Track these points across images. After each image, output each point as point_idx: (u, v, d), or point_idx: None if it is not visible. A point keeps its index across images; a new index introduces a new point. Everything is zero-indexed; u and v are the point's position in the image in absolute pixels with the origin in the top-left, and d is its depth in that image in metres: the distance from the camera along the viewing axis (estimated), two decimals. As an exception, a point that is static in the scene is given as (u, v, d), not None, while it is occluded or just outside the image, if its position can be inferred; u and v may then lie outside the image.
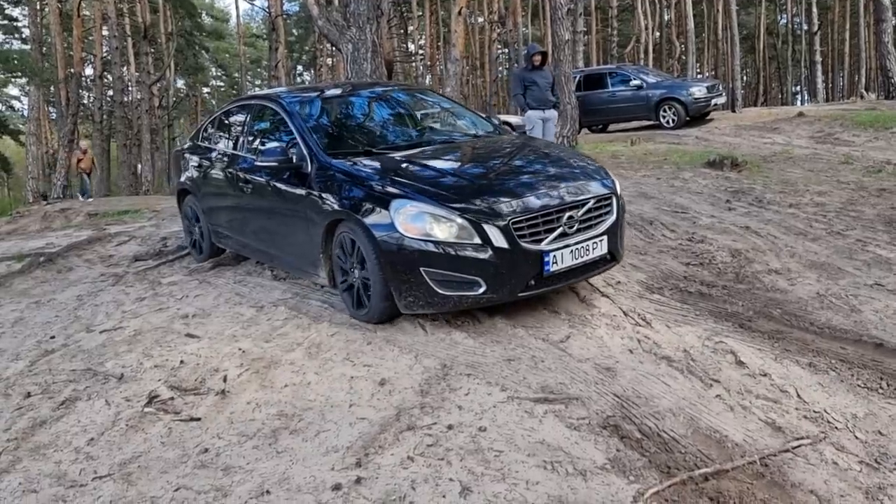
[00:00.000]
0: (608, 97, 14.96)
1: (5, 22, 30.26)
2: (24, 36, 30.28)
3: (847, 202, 6.59)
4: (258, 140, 5.27)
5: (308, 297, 4.77)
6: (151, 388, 3.51)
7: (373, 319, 4.07)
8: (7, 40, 30.47)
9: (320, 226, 4.28)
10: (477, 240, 3.74)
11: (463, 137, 5.17)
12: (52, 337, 4.49)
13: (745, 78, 43.97)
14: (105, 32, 26.94)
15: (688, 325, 3.96)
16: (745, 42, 39.16)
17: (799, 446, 2.77)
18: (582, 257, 3.99)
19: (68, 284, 5.88)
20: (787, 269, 4.89)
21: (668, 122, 14.17)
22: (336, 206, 4.15)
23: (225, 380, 3.53)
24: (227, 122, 5.94)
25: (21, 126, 35.15)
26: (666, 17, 39.03)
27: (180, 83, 41.61)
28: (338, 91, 5.52)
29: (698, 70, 37.05)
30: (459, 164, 4.54)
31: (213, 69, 48.62)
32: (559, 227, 3.92)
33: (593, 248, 4.05)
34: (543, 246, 3.85)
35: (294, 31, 41.23)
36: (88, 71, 28.90)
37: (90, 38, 27.01)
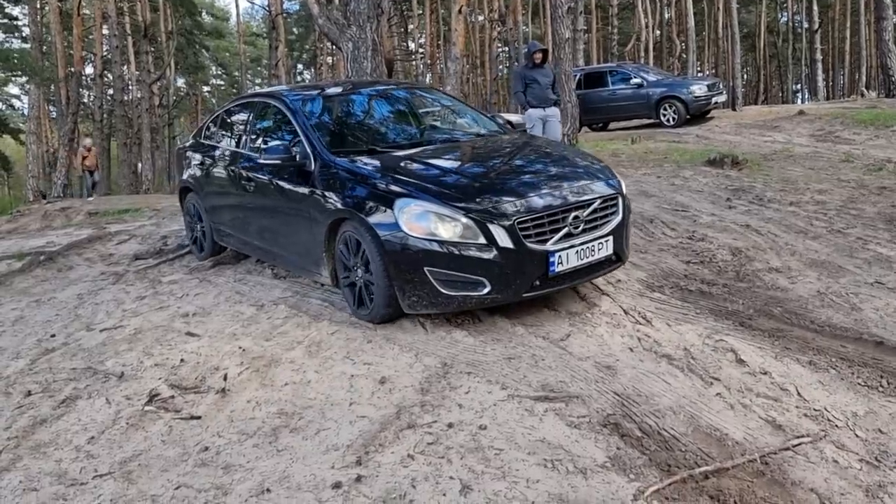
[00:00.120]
0: (609, 95, 14.95)
1: (5, 21, 30.25)
2: (24, 35, 30.27)
3: (847, 200, 6.58)
4: (261, 138, 5.26)
5: (308, 296, 4.77)
6: (152, 386, 3.51)
7: (375, 319, 4.06)
8: (7, 39, 30.48)
9: (323, 224, 4.27)
10: (482, 240, 3.72)
11: (467, 136, 5.15)
12: (53, 335, 4.50)
13: (745, 76, 43.90)
14: (105, 31, 26.94)
15: (688, 323, 3.96)
16: (745, 40, 39.11)
17: (799, 444, 2.77)
18: (587, 258, 3.97)
19: (69, 283, 5.88)
20: (787, 267, 4.89)
21: (668, 120, 14.17)
22: (339, 205, 4.14)
23: (225, 378, 3.54)
24: (229, 120, 5.93)
25: (21, 125, 35.14)
26: (666, 16, 39.00)
27: (180, 82, 41.62)
28: (341, 89, 5.49)
29: (699, 68, 37.04)
30: (464, 163, 4.52)
31: (214, 68, 48.60)
32: (565, 227, 3.90)
33: (599, 249, 4.03)
34: (549, 246, 3.83)
35: (294, 29, 41.23)
36: (89, 70, 28.93)
37: (90, 36, 27.03)
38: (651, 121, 14.77)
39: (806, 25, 35.76)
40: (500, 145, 4.92)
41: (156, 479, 2.72)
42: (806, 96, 39.37)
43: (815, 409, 3.03)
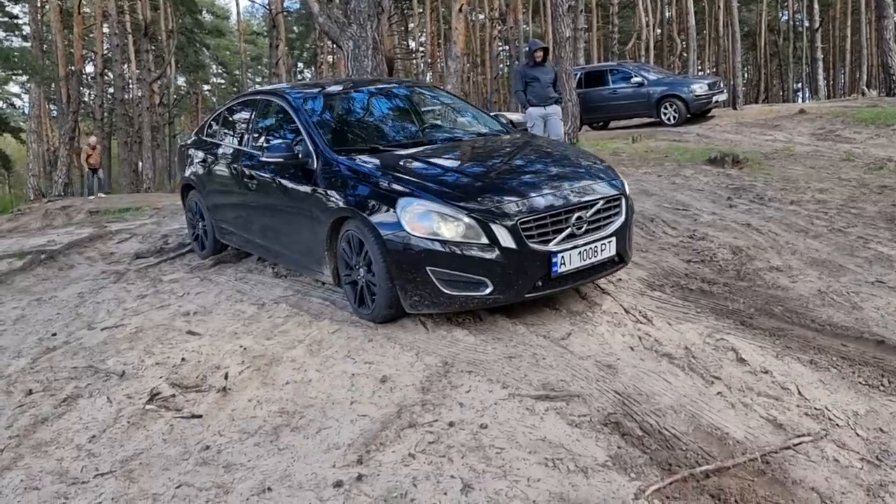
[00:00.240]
0: (609, 94, 14.95)
1: (6, 19, 30.23)
2: (24, 33, 30.27)
3: (848, 199, 6.58)
4: (263, 136, 5.26)
5: (309, 295, 4.77)
6: (153, 385, 3.52)
7: (376, 319, 4.06)
8: (7, 37, 30.45)
9: (325, 223, 4.26)
10: (484, 239, 3.71)
11: (469, 135, 5.14)
12: (54, 334, 4.50)
13: (746, 75, 43.89)
14: (106, 30, 26.95)
15: (689, 322, 3.96)
16: (746, 39, 39.10)
17: (800, 443, 2.77)
18: (590, 258, 3.96)
19: (70, 282, 5.89)
20: (788, 266, 4.89)
21: (669, 119, 14.16)
22: (341, 204, 4.14)
23: (226, 377, 3.54)
24: (231, 117, 5.93)
25: (22, 124, 35.17)
26: (667, 14, 38.97)
27: (181, 81, 41.60)
28: (344, 88, 5.48)
29: (699, 67, 37.01)
30: (466, 162, 4.51)
31: (214, 66, 48.57)
32: (567, 227, 3.89)
33: (602, 250, 4.02)
34: (551, 247, 3.82)
35: (295, 28, 41.21)
36: (89, 68, 28.94)
37: (91, 35, 27.03)
38: (652, 120, 14.76)
39: (807, 24, 35.73)
40: (503, 145, 4.92)
41: (157, 477, 2.72)
42: (807, 95, 39.37)
43: (815, 408, 3.03)
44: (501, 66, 38.24)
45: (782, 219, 6.03)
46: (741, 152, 9.08)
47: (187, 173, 6.23)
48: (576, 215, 3.92)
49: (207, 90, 50.06)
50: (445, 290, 3.75)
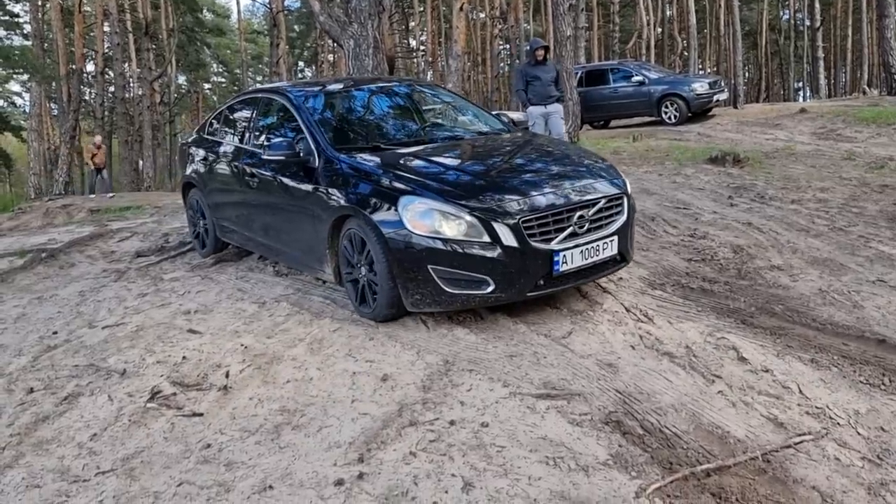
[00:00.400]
0: (610, 93, 14.93)
1: (6, 18, 30.23)
2: (25, 32, 30.26)
3: (849, 198, 6.58)
4: (265, 134, 5.25)
5: (310, 293, 4.77)
6: (154, 383, 3.52)
7: (378, 318, 4.06)
8: (8, 36, 30.45)
9: (327, 221, 4.26)
10: (486, 238, 3.71)
11: (472, 134, 5.13)
12: (55, 332, 4.50)
13: (747, 74, 43.88)
14: (106, 28, 26.93)
15: (690, 321, 3.96)
16: (747, 38, 39.06)
17: (801, 442, 2.77)
18: (592, 257, 3.96)
19: (70, 280, 5.89)
20: (789, 265, 4.89)
21: (669, 118, 14.15)
22: (343, 202, 4.14)
23: (227, 375, 3.54)
24: (233, 115, 5.93)
25: (23, 122, 35.20)
26: (668, 13, 38.93)
27: (181, 79, 41.58)
28: (345, 86, 5.48)
29: (700, 66, 36.99)
30: (468, 161, 4.50)
31: (215, 65, 48.55)
32: (569, 226, 3.89)
33: (603, 249, 4.02)
34: (553, 245, 3.82)
35: (295, 27, 41.19)
36: (90, 67, 28.92)
37: (91, 34, 27.01)
38: (652, 118, 14.75)
39: (808, 23, 35.68)
40: (504, 143, 4.91)
41: (158, 475, 2.72)
42: (808, 94, 39.30)
43: (816, 407, 3.03)
44: (502, 64, 38.19)
45: (783, 218, 6.03)
46: (742, 151, 9.07)
47: (188, 171, 6.23)
48: (578, 214, 3.92)
49: (208, 89, 50.05)
50: (447, 289, 3.75)
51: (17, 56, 23.87)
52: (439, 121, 5.46)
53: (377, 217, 3.88)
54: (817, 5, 32.95)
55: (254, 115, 5.48)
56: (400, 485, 2.53)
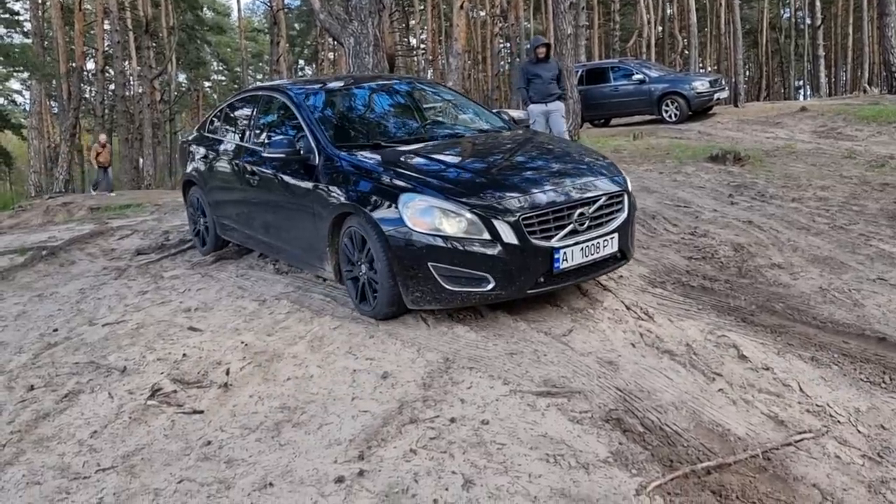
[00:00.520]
0: (610, 91, 14.91)
1: (7, 16, 30.21)
2: (25, 30, 30.25)
3: (850, 197, 6.57)
4: (265, 132, 5.25)
5: (310, 291, 4.77)
6: (154, 381, 3.52)
7: (378, 315, 4.05)
8: (8, 34, 30.43)
9: (327, 219, 4.26)
10: (486, 235, 3.71)
11: (473, 132, 5.12)
12: (55, 330, 4.50)
13: (747, 72, 43.86)
14: (106, 26, 26.92)
15: (690, 319, 3.96)
16: (747, 36, 39.04)
17: (801, 440, 2.77)
18: (592, 255, 3.96)
19: (71, 278, 5.89)
20: (789, 263, 4.89)
21: (670, 116, 14.14)
22: (343, 200, 4.13)
23: (227, 373, 3.54)
24: (233, 113, 5.93)
25: (23, 120, 35.20)
26: (668, 12, 38.92)
27: (182, 77, 41.56)
28: (346, 83, 5.47)
29: (701, 64, 36.97)
30: (469, 158, 4.49)
31: (215, 63, 48.54)
32: (570, 224, 3.88)
33: (604, 246, 4.01)
34: (554, 243, 3.81)
35: (295, 25, 41.16)
36: (90, 65, 28.88)
37: (91, 32, 26.98)
38: (653, 117, 14.73)
39: (808, 21, 35.65)
40: (505, 141, 4.91)
41: (158, 472, 2.73)
42: (808, 92, 39.27)
43: (817, 405, 3.03)
44: (502, 63, 38.18)
45: (784, 216, 6.03)
46: (742, 149, 9.07)
47: (189, 169, 6.23)
48: (578, 211, 3.91)
49: (208, 87, 50.05)
50: (447, 286, 3.74)
51: (17, 54, 23.85)
52: (440, 118, 5.45)
53: (377, 214, 3.88)
54: (818, 4, 32.93)
55: (254, 113, 5.48)
56: (400, 482, 2.53)
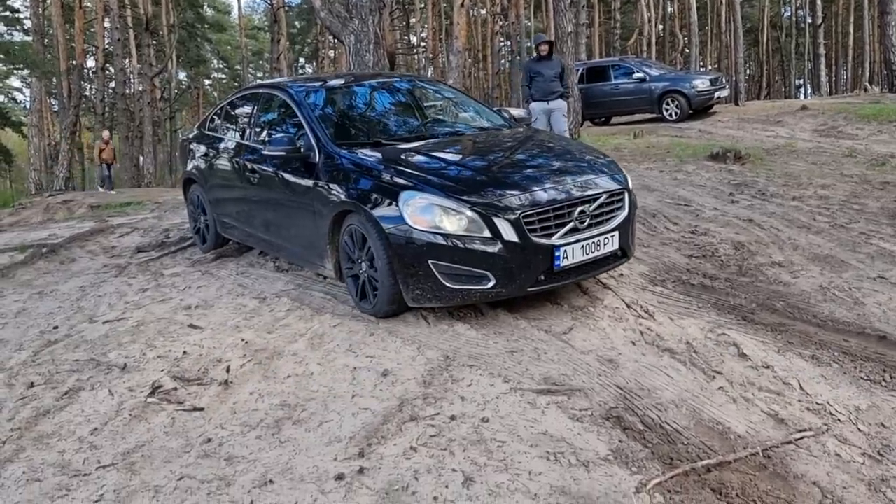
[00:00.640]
0: (611, 90, 14.90)
1: (7, 13, 30.20)
2: (25, 27, 30.23)
3: (850, 195, 6.57)
4: (265, 130, 5.25)
5: (311, 289, 4.77)
6: (154, 378, 3.52)
7: (378, 313, 4.05)
8: (9, 31, 30.41)
9: (327, 217, 4.26)
10: (487, 233, 3.70)
11: (473, 130, 5.11)
12: (56, 327, 4.50)
13: (748, 71, 43.85)
14: (107, 24, 26.91)
15: (690, 317, 3.95)
16: (748, 35, 39.02)
17: (802, 438, 2.77)
18: (593, 253, 3.95)
19: (71, 275, 5.89)
20: (790, 261, 4.89)
21: (671, 114, 14.13)
22: (344, 197, 4.13)
23: (228, 370, 3.54)
24: (233, 111, 5.92)
25: (23, 118, 35.19)
26: (669, 10, 38.88)
27: (182, 75, 41.56)
28: (346, 81, 5.46)
29: (701, 63, 36.95)
30: (469, 156, 4.48)
31: (215, 61, 48.52)
32: (570, 221, 3.88)
33: (604, 244, 4.01)
34: (554, 240, 3.81)
35: (296, 23, 41.12)
36: (90, 63, 28.87)
37: (92, 29, 26.97)
38: (653, 115, 14.72)
39: (809, 20, 35.63)
40: (505, 139, 4.90)
41: (159, 470, 2.73)
42: (809, 91, 39.25)
43: (817, 404, 3.03)
44: (503, 61, 38.14)
45: (784, 214, 6.03)
46: (743, 148, 9.06)
47: (189, 167, 6.23)
48: (579, 209, 3.91)
49: (209, 85, 50.04)
50: (448, 284, 3.74)
51: (17, 51, 23.84)
52: (440, 116, 5.44)
53: (378, 212, 3.87)
54: (819, 2, 32.90)
55: (254, 110, 5.48)
56: (400, 479, 2.53)
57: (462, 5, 14.85)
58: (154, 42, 30.99)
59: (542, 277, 3.83)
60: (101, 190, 16.26)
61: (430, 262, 3.73)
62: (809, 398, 3.07)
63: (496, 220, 3.70)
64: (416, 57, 41.54)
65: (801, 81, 42.62)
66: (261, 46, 46.96)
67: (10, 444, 3.02)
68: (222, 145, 5.73)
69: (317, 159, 4.41)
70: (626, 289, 4.41)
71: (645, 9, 31.65)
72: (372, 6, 8.39)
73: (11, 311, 4.97)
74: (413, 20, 39.88)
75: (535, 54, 9.06)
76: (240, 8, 43.45)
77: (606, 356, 3.48)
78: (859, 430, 2.85)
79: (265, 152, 4.80)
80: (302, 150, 4.51)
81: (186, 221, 7.03)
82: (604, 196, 4.05)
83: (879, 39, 19.64)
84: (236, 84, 45.37)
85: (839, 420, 2.91)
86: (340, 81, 5.46)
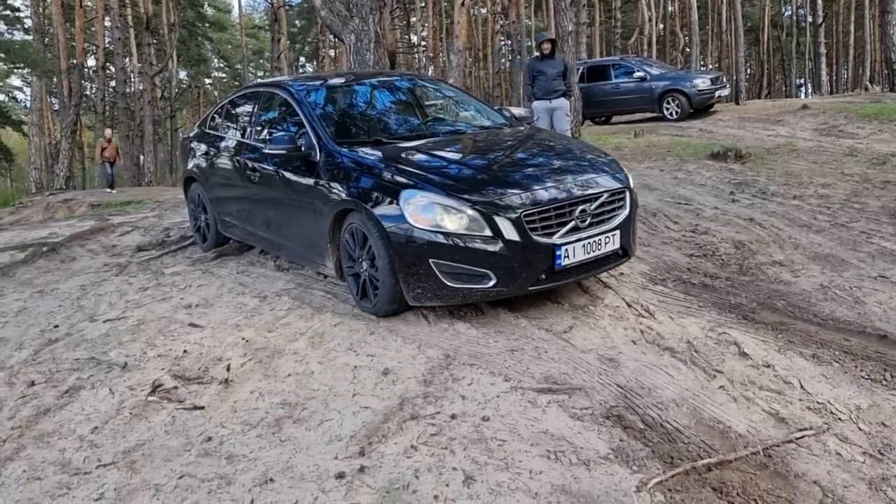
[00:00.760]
0: (611, 89, 14.90)
1: (7, 12, 30.20)
2: (26, 26, 30.22)
3: (851, 194, 6.57)
4: (266, 128, 5.25)
5: (311, 288, 4.77)
6: (155, 377, 3.52)
7: (379, 312, 4.05)
8: (9, 31, 30.41)
9: (328, 215, 4.25)
10: (488, 232, 3.70)
11: (474, 129, 5.11)
12: (56, 326, 4.50)
13: (748, 70, 43.84)
14: (107, 23, 26.91)
15: (691, 316, 3.95)
16: (749, 34, 39.01)
17: (802, 437, 2.77)
18: (594, 252, 3.95)
19: (72, 274, 5.89)
20: (790, 260, 4.88)
21: (671, 114, 14.12)
22: (344, 196, 4.13)
23: (228, 369, 3.54)
24: (234, 110, 5.92)
25: (24, 117, 35.20)
26: (669, 9, 38.85)
27: (182, 74, 41.57)
28: (347, 80, 5.45)
29: (702, 62, 36.93)
30: (470, 154, 4.47)
31: (216, 60, 48.53)
32: (571, 220, 3.88)
33: (606, 243, 4.01)
34: (555, 239, 3.80)
35: (296, 22, 41.11)
36: (91, 62, 28.91)
37: (92, 28, 26.97)
38: (654, 114, 14.72)
39: (810, 19, 35.60)
40: (506, 138, 4.90)
41: (159, 468, 2.73)
42: (809, 90, 39.24)
43: (818, 403, 3.03)
44: (503, 60, 38.13)
45: (785, 213, 6.02)
46: (744, 147, 9.06)
47: (190, 166, 6.23)
48: (580, 208, 3.90)
49: (209, 84, 50.04)
50: (448, 283, 3.74)
51: (17, 50, 23.84)
52: (441, 115, 5.44)
53: (379, 211, 3.87)
54: (819, 1, 32.88)
55: (255, 109, 5.48)
56: (401, 478, 2.53)
57: (462, 4, 14.85)
58: (154, 41, 31.00)
59: (543, 276, 3.82)
60: (107, 191, 16.23)
61: (430, 260, 3.72)
62: (810, 397, 3.07)
63: (497, 219, 3.70)
64: (416, 56, 41.53)
65: (802, 80, 42.59)
66: (261, 45, 46.95)
67: (11, 443, 3.02)
68: (223, 144, 5.73)
69: (318, 158, 4.41)
70: (627, 288, 4.41)
71: (645, 8, 31.63)
72: (372, 5, 8.39)
73: (12, 309, 4.97)
74: (413, 19, 39.87)
75: (536, 53, 9.05)
76: (240, 7, 43.57)
77: (607, 355, 3.48)
78: (860, 429, 2.85)
79: (266, 151, 4.79)
80: (303, 148, 4.51)
81: (187, 220, 7.03)
82: (605, 195, 4.05)
83: (880, 38, 19.62)
84: (237, 83, 45.39)
85: (840, 419, 2.91)
86: (341, 80, 5.45)
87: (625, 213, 4.16)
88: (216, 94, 48.00)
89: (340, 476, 2.56)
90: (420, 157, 4.26)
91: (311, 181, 4.41)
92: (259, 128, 5.33)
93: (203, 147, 6.02)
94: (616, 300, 4.17)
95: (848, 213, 5.92)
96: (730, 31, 33.39)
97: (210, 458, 2.77)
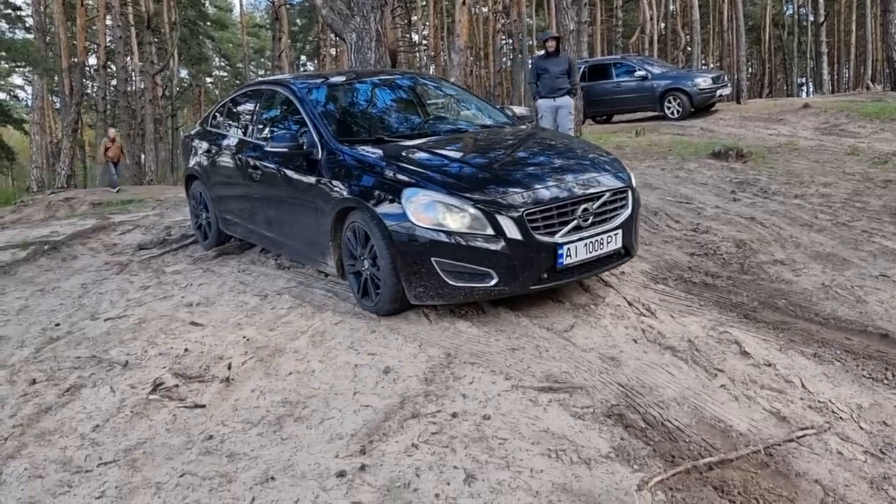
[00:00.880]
0: (613, 88, 14.89)
1: (9, 11, 30.21)
2: (27, 25, 30.24)
3: (853, 193, 6.56)
4: (268, 126, 5.24)
5: (312, 286, 4.77)
6: (156, 375, 3.52)
7: (380, 311, 4.05)
8: (11, 29, 30.43)
9: (330, 214, 4.25)
10: (490, 231, 3.69)
11: (476, 127, 5.10)
12: (57, 324, 4.51)
13: (750, 69, 43.79)
14: (108, 22, 26.91)
15: (692, 315, 3.95)
16: (750, 33, 38.96)
17: (804, 436, 2.77)
18: (596, 251, 3.94)
19: (73, 273, 5.89)
20: (792, 259, 4.88)
21: (672, 112, 14.11)
22: (346, 194, 4.12)
23: (229, 367, 3.54)
24: (236, 108, 5.92)
25: (25, 115, 35.21)
26: (671, 8, 38.82)
27: (183, 73, 41.57)
28: (349, 78, 5.45)
29: (703, 61, 36.90)
30: (472, 153, 4.46)
31: (217, 59, 48.51)
32: (574, 219, 3.87)
33: (608, 242, 4.00)
34: (557, 238, 3.80)
35: (297, 20, 41.10)
36: (92, 60, 28.88)
37: (93, 27, 26.97)
38: (655, 113, 14.71)
39: (811, 18, 35.56)
40: (508, 136, 4.89)
41: (160, 466, 2.73)
42: (811, 89, 39.18)
43: (819, 401, 3.03)
44: (505, 59, 38.12)
45: (786, 212, 6.02)
46: (745, 146, 9.05)
47: (191, 164, 6.23)
48: (582, 207, 3.90)
49: (210, 83, 50.03)
50: (450, 282, 3.73)
51: (18, 49, 23.83)
52: (442, 114, 5.44)
53: (380, 209, 3.87)
54: (821, 0, 32.83)
55: (257, 107, 5.47)
56: (402, 476, 2.53)
57: (464, 3, 14.84)
58: (156, 40, 31.00)
59: (545, 275, 3.81)
60: (111, 190, 16.21)
61: (432, 259, 3.72)
62: (811, 396, 3.07)
63: (499, 218, 3.69)
64: (417, 55, 41.51)
65: (804, 79, 42.54)
66: (262, 44, 46.97)
67: (12, 441, 3.02)
68: (224, 142, 5.73)
69: (319, 156, 4.41)
70: (628, 287, 4.41)
71: (647, 7, 31.60)
72: (374, 3, 8.39)
73: (13, 308, 4.97)
74: (415, 18, 39.85)
75: (540, 51, 9.04)
76: (241, 5, 43.36)
77: (608, 354, 3.48)
78: (861, 428, 2.85)
79: (267, 149, 4.79)
80: (304, 146, 4.50)
81: (188, 219, 7.04)
82: (607, 194, 4.04)
83: (882, 37, 19.59)
84: (238, 82, 45.39)
85: (841, 418, 2.91)
86: (343, 78, 5.45)
87: (627, 212, 4.16)
88: (217, 92, 48.00)
89: (341, 474, 2.56)
90: (422, 155, 4.26)
91: (312, 179, 4.41)
92: (261, 126, 5.33)
93: (204, 145, 6.02)
94: (617, 299, 4.17)
95: (849, 212, 5.91)
96: (731, 29, 33.38)
97: (211, 456, 2.77)
